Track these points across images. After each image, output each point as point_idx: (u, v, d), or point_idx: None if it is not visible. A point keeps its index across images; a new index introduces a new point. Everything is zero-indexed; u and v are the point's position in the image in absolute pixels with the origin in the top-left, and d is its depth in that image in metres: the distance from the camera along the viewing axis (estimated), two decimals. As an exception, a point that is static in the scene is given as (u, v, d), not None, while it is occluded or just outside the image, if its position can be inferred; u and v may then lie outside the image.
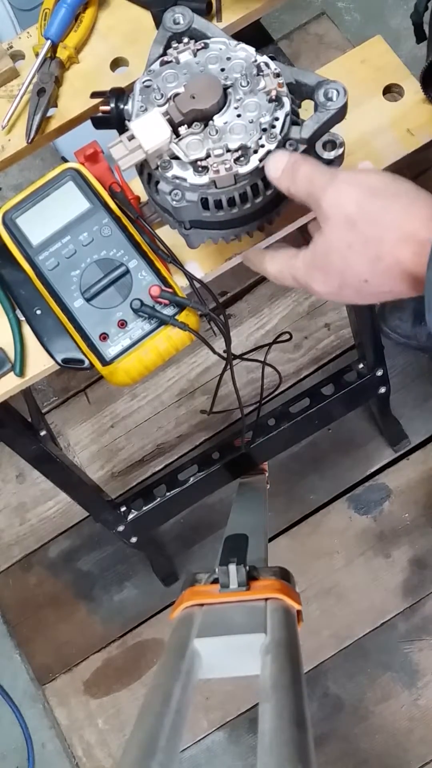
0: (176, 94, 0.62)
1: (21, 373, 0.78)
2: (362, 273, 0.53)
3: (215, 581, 0.64)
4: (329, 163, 0.65)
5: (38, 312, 0.74)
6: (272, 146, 0.59)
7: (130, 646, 1.63)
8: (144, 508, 1.29)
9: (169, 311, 0.70)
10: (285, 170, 0.57)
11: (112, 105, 0.66)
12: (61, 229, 0.72)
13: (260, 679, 0.52)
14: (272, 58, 0.63)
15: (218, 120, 0.61)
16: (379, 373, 1.29)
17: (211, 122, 0.61)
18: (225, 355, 0.88)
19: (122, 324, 0.70)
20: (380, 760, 1.46)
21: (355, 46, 0.83)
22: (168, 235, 0.72)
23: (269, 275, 0.62)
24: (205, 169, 0.59)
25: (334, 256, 0.54)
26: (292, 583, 0.63)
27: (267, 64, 0.62)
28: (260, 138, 0.60)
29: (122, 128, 0.65)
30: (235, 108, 0.61)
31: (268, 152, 0.59)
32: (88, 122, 0.73)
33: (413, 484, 1.61)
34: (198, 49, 0.64)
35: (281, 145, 0.60)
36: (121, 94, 0.67)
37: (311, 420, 1.31)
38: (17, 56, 0.87)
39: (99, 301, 0.71)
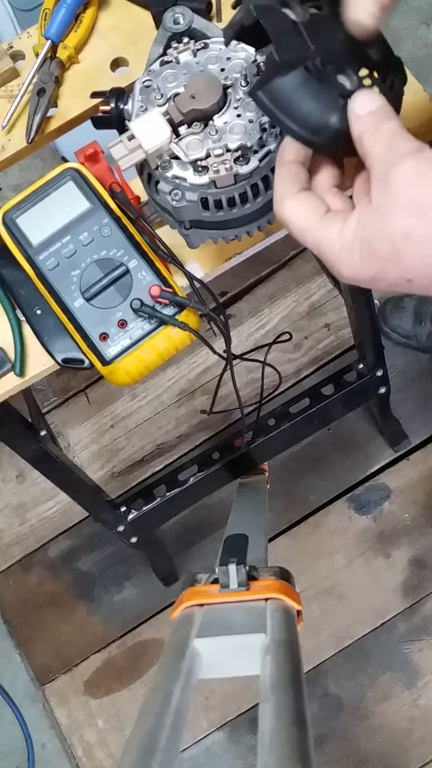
0: (176, 94, 0.62)
1: (21, 373, 0.78)
2: (411, 271, 0.44)
3: (215, 581, 0.64)
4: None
5: (38, 312, 0.74)
6: (272, 146, 0.59)
7: (130, 646, 1.63)
8: (144, 508, 1.29)
9: (169, 311, 0.70)
10: (371, 114, 0.46)
11: (112, 105, 0.66)
12: (61, 229, 0.72)
13: (260, 679, 0.51)
14: (272, 58, 0.63)
15: (218, 120, 0.61)
16: (379, 373, 1.29)
17: (211, 122, 0.61)
18: (225, 355, 0.88)
19: (122, 324, 0.70)
20: (380, 760, 1.46)
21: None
22: (168, 235, 0.72)
23: (285, 220, 0.49)
24: (205, 169, 0.59)
25: (383, 243, 0.43)
26: (292, 583, 0.63)
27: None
28: (260, 138, 0.59)
29: (122, 128, 0.65)
30: (235, 108, 0.61)
31: (269, 152, 0.59)
32: (88, 122, 0.73)
33: (413, 484, 1.62)
34: (198, 49, 0.64)
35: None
36: (121, 94, 0.67)
37: (311, 420, 1.31)
38: (17, 56, 0.87)
39: (99, 301, 0.71)
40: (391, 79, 0.49)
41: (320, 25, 0.49)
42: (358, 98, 0.47)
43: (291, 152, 0.50)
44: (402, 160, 0.43)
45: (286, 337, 1.67)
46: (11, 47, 0.87)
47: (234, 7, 0.58)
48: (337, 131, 0.47)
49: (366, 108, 0.46)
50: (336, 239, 0.46)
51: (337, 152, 0.49)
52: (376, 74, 0.48)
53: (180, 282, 0.74)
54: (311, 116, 0.48)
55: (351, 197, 0.50)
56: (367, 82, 0.48)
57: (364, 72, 0.48)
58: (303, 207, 0.48)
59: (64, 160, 1.68)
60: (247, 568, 0.64)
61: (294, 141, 0.49)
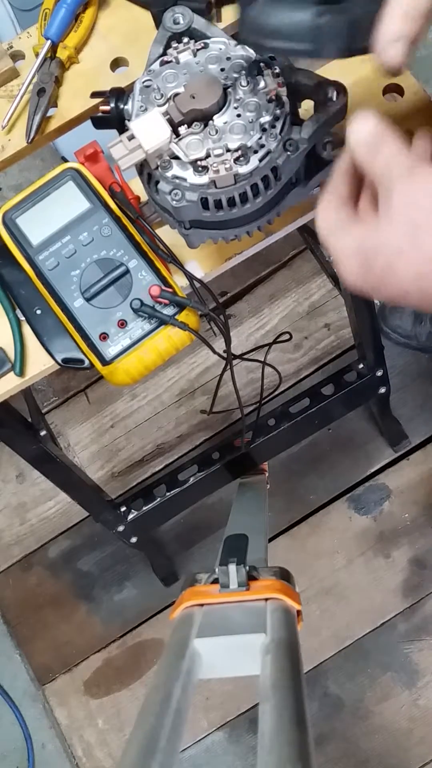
0: (176, 94, 0.62)
1: (21, 373, 0.78)
2: (404, 285, 0.47)
3: (215, 581, 0.64)
4: (328, 163, 0.65)
5: (38, 312, 0.74)
6: (272, 146, 0.59)
7: (130, 646, 1.63)
8: (144, 508, 1.29)
9: (169, 311, 0.70)
10: (366, 143, 0.48)
11: (112, 105, 0.66)
12: (61, 228, 0.72)
13: (260, 679, 0.52)
14: (272, 58, 0.63)
15: (218, 120, 0.61)
16: (379, 373, 1.29)
17: (210, 122, 0.61)
18: (225, 355, 0.88)
19: (122, 324, 0.70)
20: (380, 760, 1.46)
21: (355, 46, 0.82)
22: (168, 235, 0.72)
23: (316, 215, 0.52)
24: (205, 168, 0.59)
25: (380, 257, 0.47)
26: (292, 583, 0.63)
27: (267, 64, 0.62)
28: (260, 138, 0.60)
29: (122, 128, 0.65)
30: (235, 108, 0.61)
31: (268, 152, 0.59)
32: (88, 122, 0.73)
33: (413, 484, 1.61)
34: (198, 49, 0.64)
35: (281, 144, 0.60)
36: (121, 94, 0.67)
37: (311, 420, 1.31)
38: (17, 56, 0.87)
39: (99, 301, 0.71)
40: None
41: None
42: (353, 125, 0.48)
43: (344, 160, 0.52)
44: (399, 182, 0.46)
45: (286, 337, 1.67)
46: (11, 47, 0.87)
47: None
48: (335, 30, 0.47)
49: (361, 132, 0.48)
50: (347, 243, 0.49)
51: (337, 53, 0.49)
52: None
53: (180, 282, 0.74)
54: (296, 26, 0.47)
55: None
56: None
57: None
58: (328, 209, 0.51)
59: (64, 160, 1.68)
60: (247, 568, 0.64)
61: (346, 153, 0.51)
